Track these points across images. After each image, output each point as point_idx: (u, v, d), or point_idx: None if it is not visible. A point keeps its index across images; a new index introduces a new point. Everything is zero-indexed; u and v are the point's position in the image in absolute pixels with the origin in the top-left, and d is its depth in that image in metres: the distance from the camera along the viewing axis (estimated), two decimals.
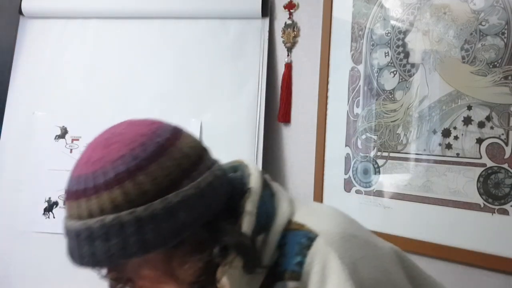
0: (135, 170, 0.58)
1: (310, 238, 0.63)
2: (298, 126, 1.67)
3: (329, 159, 1.54)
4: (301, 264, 0.61)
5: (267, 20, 1.72)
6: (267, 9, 1.71)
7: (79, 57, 1.76)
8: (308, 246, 0.62)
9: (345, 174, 1.48)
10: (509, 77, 1.13)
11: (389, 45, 1.37)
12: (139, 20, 1.76)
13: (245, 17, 1.72)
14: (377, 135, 1.40)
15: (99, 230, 0.56)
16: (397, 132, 1.35)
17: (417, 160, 1.30)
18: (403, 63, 1.34)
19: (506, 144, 1.13)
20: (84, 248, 0.58)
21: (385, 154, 1.38)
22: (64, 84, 1.74)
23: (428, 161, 1.27)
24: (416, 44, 1.31)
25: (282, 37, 1.70)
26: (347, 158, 1.48)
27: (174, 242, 0.58)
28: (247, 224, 0.62)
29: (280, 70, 1.71)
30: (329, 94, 1.54)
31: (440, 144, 1.25)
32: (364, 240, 0.68)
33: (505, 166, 1.13)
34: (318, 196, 1.55)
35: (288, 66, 1.69)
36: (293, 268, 0.62)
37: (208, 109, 1.69)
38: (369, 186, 1.41)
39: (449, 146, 1.23)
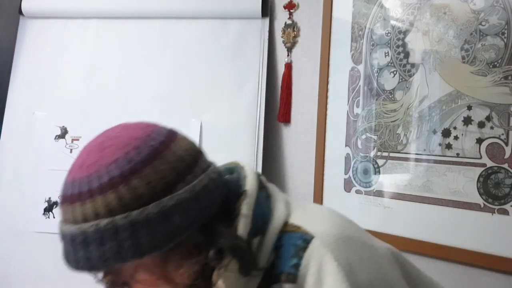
0: (129, 174, 0.57)
1: (306, 240, 0.63)
2: (298, 126, 1.67)
3: (329, 159, 1.54)
4: (297, 266, 0.61)
5: (267, 20, 1.72)
6: (267, 9, 1.71)
7: (79, 57, 1.76)
8: (304, 248, 0.62)
9: (345, 174, 1.48)
10: (509, 77, 1.13)
11: (389, 45, 1.37)
12: (139, 20, 1.76)
13: (245, 17, 1.72)
14: (377, 135, 1.40)
15: (94, 234, 0.56)
16: (397, 132, 1.35)
17: (417, 160, 1.30)
18: (403, 63, 1.34)
19: (506, 144, 1.13)
20: (79, 253, 0.58)
21: (385, 154, 1.38)
22: (64, 84, 1.74)
23: (428, 161, 1.27)
24: (416, 44, 1.31)
25: (282, 37, 1.70)
26: (347, 158, 1.48)
27: (169, 245, 0.58)
28: (242, 226, 0.62)
29: (280, 70, 1.71)
30: (329, 94, 1.54)
31: (440, 144, 1.25)
32: (360, 241, 0.67)
33: (505, 166, 1.13)
34: (318, 196, 1.55)
35: (288, 66, 1.69)
36: (289, 270, 0.61)
37: (208, 109, 1.69)
38: (369, 186, 1.41)
39: (449, 146, 1.23)
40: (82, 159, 0.61)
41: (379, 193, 1.39)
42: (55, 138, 1.69)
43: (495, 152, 1.14)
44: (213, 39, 1.73)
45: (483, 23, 1.17)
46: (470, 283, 1.20)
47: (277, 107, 1.70)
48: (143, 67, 1.73)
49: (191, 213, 0.59)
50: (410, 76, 1.32)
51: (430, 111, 1.27)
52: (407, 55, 1.33)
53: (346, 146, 1.48)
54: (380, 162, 1.39)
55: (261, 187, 0.69)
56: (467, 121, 1.19)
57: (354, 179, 1.45)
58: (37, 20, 1.79)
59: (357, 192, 1.44)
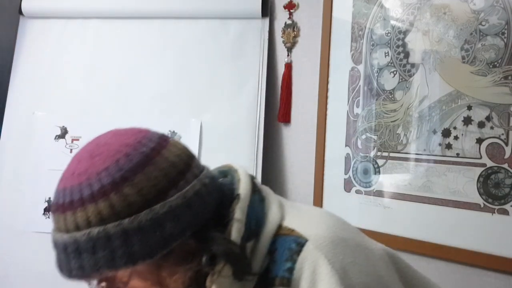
0: (120, 181, 0.57)
1: (300, 243, 0.62)
2: (298, 126, 1.67)
3: (329, 159, 1.54)
4: (291, 270, 0.61)
5: (267, 20, 1.72)
6: (267, 9, 1.71)
7: (79, 57, 1.76)
8: (298, 252, 0.62)
9: (345, 174, 1.48)
10: (509, 77, 1.13)
11: (389, 45, 1.37)
12: (139, 20, 1.76)
13: (245, 17, 1.72)
14: (377, 135, 1.40)
15: (86, 243, 0.56)
16: (397, 132, 1.35)
17: (417, 160, 1.30)
18: (403, 63, 1.34)
19: (506, 144, 1.13)
20: (72, 261, 0.57)
21: (385, 154, 1.38)
22: (64, 84, 1.74)
23: (428, 161, 1.27)
24: (416, 44, 1.31)
25: (282, 37, 1.70)
26: (347, 158, 1.48)
27: (162, 253, 0.58)
28: (236, 231, 0.62)
29: (280, 70, 1.71)
30: (329, 94, 1.54)
31: (440, 144, 1.25)
32: (355, 243, 0.67)
33: (505, 166, 1.13)
34: (318, 196, 1.55)
35: (288, 66, 1.69)
36: (283, 274, 0.61)
37: (208, 109, 1.69)
38: (369, 186, 1.41)
39: (449, 146, 1.23)
40: (73, 167, 0.61)
41: (379, 193, 1.39)
42: (55, 138, 1.69)
43: (495, 152, 1.14)
44: (213, 39, 1.73)
45: (483, 23, 1.17)
46: (470, 283, 1.20)
47: (277, 107, 1.70)
48: (143, 67, 1.73)
49: (183, 219, 0.59)
50: (410, 76, 1.32)
51: (430, 111, 1.27)
52: (407, 55, 1.33)
53: (346, 146, 1.48)
54: (380, 162, 1.39)
55: (255, 190, 0.68)
56: (467, 121, 1.19)
57: (354, 179, 1.45)
58: (37, 20, 1.79)
59: (357, 192, 1.44)
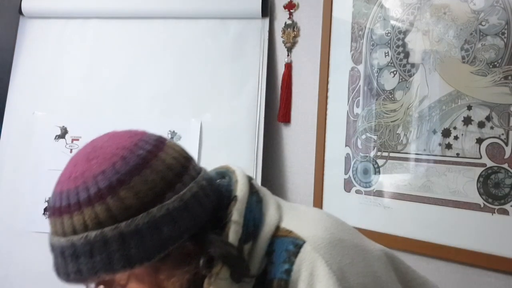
0: (117, 185, 0.57)
1: (298, 244, 0.62)
2: (298, 126, 1.67)
3: (329, 159, 1.54)
4: (289, 271, 0.61)
5: (267, 20, 1.72)
6: (267, 9, 1.71)
7: (79, 57, 1.76)
8: (296, 253, 0.62)
9: (345, 174, 1.48)
10: (509, 77, 1.13)
11: (389, 45, 1.37)
12: (139, 20, 1.76)
13: (245, 17, 1.72)
14: (377, 135, 1.40)
15: (83, 246, 0.56)
16: (397, 132, 1.35)
17: (417, 160, 1.30)
18: (403, 63, 1.34)
19: (506, 144, 1.13)
20: (69, 265, 0.57)
21: (385, 154, 1.38)
22: (64, 84, 1.74)
23: (428, 161, 1.27)
24: (416, 44, 1.31)
25: (282, 37, 1.70)
26: (347, 158, 1.48)
27: (159, 256, 0.57)
28: (233, 233, 0.62)
29: (280, 70, 1.71)
30: (329, 94, 1.54)
31: (440, 144, 1.25)
32: (352, 244, 0.67)
33: (505, 166, 1.13)
34: (318, 196, 1.55)
35: (288, 66, 1.69)
36: (281, 276, 0.61)
37: (208, 109, 1.69)
38: (369, 186, 1.41)
39: (449, 146, 1.23)
40: (69, 170, 0.61)
41: (379, 193, 1.39)
42: (55, 138, 1.69)
43: (495, 152, 1.14)
44: (213, 39, 1.73)
45: (483, 23, 1.17)
46: (470, 283, 1.20)
47: (277, 107, 1.70)
48: (143, 67, 1.73)
49: (181, 222, 0.58)
50: (410, 76, 1.32)
51: (430, 111, 1.27)
52: (407, 55, 1.33)
53: (346, 146, 1.48)
54: (380, 162, 1.39)
55: (252, 192, 0.68)
56: (467, 121, 1.19)
57: (354, 179, 1.45)
58: (37, 20, 1.79)
59: (357, 192, 1.44)
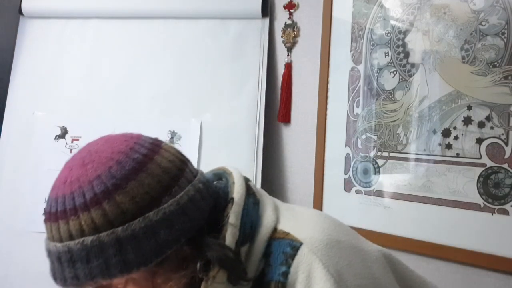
0: (113, 189, 0.57)
1: (295, 247, 0.62)
2: (298, 126, 1.67)
3: (329, 159, 1.54)
4: (286, 274, 0.61)
5: (267, 20, 1.72)
6: (267, 9, 1.71)
7: (79, 57, 1.76)
8: (293, 256, 0.61)
9: (345, 174, 1.48)
10: (509, 77, 1.13)
11: (389, 45, 1.37)
12: (139, 20, 1.76)
13: (245, 17, 1.72)
14: (377, 135, 1.40)
15: (80, 252, 0.56)
16: (397, 132, 1.35)
17: (417, 160, 1.30)
18: (403, 63, 1.34)
19: (506, 144, 1.13)
20: (66, 270, 0.57)
21: (385, 154, 1.38)
22: (64, 84, 1.74)
23: (428, 161, 1.27)
24: (416, 44, 1.31)
25: (282, 37, 1.70)
26: (347, 158, 1.48)
27: (156, 260, 0.57)
28: (230, 236, 0.61)
29: (280, 70, 1.71)
30: (329, 94, 1.54)
31: (440, 144, 1.25)
32: (350, 245, 0.66)
33: (505, 166, 1.13)
34: (318, 196, 1.55)
35: (288, 66, 1.69)
36: (278, 279, 0.61)
37: (208, 109, 1.69)
38: (369, 186, 1.41)
39: (449, 146, 1.23)
40: (65, 175, 0.60)
41: (379, 193, 1.39)
42: (55, 138, 1.69)
43: (495, 152, 1.14)
44: (213, 39, 1.73)
45: (483, 23, 1.17)
46: (470, 283, 1.20)
47: (277, 107, 1.70)
48: (143, 67, 1.73)
49: (177, 226, 0.58)
50: (410, 76, 1.32)
51: (430, 111, 1.27)
52: (407, 55, 1.33)
53: (346, 146, 1.48)
54: (380, 162, 1.39)
55: (249, 193, 0.68)
56: (467, 121, 1.19)
57: (354, 179, 1.45)
58: (37, 20, 1.79)
59: (357, 192, 1.44)
